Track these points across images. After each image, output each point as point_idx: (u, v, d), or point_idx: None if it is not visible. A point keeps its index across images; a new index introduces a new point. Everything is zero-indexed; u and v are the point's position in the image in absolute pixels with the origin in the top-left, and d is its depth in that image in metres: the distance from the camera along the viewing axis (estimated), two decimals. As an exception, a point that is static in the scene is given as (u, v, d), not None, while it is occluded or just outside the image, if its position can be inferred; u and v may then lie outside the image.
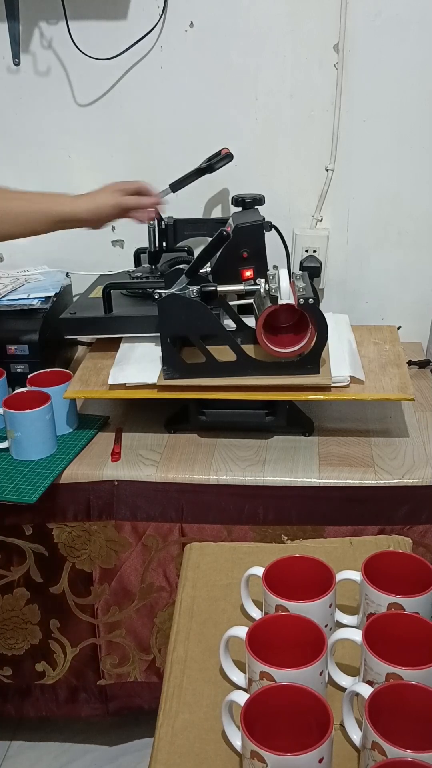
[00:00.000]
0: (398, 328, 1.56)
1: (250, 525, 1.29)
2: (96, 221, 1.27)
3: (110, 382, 1.32)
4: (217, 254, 1.43)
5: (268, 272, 1.29)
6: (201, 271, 1.43)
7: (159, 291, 1.26)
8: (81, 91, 1.61)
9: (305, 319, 1.23)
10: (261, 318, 1.23)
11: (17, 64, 1.55)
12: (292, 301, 1.21)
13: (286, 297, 1.21)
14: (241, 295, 1.33)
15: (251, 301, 1.31)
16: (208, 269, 1.45)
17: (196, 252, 1.65)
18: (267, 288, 1.25)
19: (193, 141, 1.60)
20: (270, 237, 1.43)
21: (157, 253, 1.56)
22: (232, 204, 1.55)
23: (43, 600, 1.38)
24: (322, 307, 1.27)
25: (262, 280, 1.27)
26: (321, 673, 0.80)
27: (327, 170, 1.61)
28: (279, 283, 1.22)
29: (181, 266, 1.39)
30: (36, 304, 1.52)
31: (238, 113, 1.59)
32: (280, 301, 1.21)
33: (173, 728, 0.84)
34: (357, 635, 0.82)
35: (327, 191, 1.63)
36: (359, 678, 0.83)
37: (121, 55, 1.54)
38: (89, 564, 1.35)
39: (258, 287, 1.27)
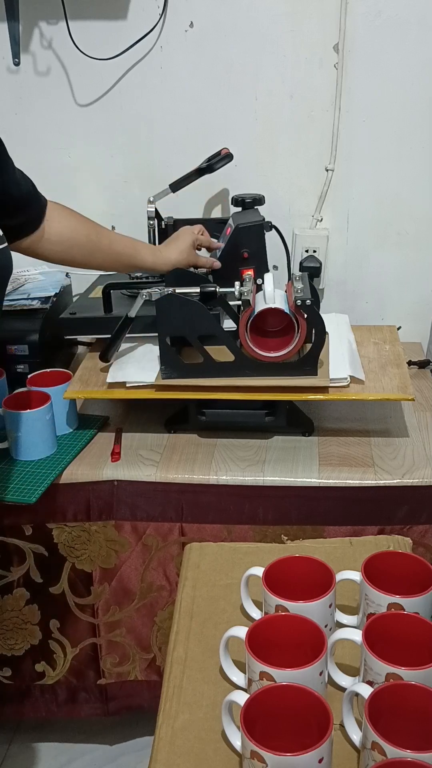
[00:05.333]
0: (398, 329, 1.56)
1: (250, 525, 1.29)
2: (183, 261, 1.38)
3: (108, 380, 1.32)
4: (218, 254, 1.44)
5: (251, 276, 1.30)
6: (200, 271, 1.43)
7: (147, 291, 1.27)
8: (81, 91, 1.61)
9: (296, 322, 1.23)
10: (243, 322, 1.24)
11: (17, 64, 1.55)
12: (275, 305, 1.22)
13: (270, 301, 1.22)
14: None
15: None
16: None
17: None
18: (240, 291, 1.25)
19: (193, 141, 1.60)
20: (270, 237, 1.43)
21: (157, 253, 1.55)
22: (232, 204, 1.55)
23: (43, 600, 1.38)
24: (322, 306, 1.27)
25: (237, 283, 1.26)
26: (321, 673, 0.80)
27: (327, 170, 1.61)
28: (264, 287, 1.23)
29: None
30: (36, 304, 1.52)
31: (238, 113, 1.59)
32: (264, 306, 1.22)
33: (173, 728, 0.84)
34: (357, 635, 0.82)
35: (327, 191, 1.63)
36: (359, 678, 0.83)
37: (121, 55, 1.54)
38: (89, 564, 1.35)
39: (232, 290, 1.26)
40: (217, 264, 1.40)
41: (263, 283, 1.24)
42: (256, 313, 1.23)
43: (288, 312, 1.22)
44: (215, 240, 1.45)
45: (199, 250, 1.42)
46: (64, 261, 1.26)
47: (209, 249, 1.45)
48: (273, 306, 1.22)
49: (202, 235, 1.42)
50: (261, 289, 1.25)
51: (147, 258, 1.33)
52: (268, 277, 1.24)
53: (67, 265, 1.28)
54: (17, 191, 1.13)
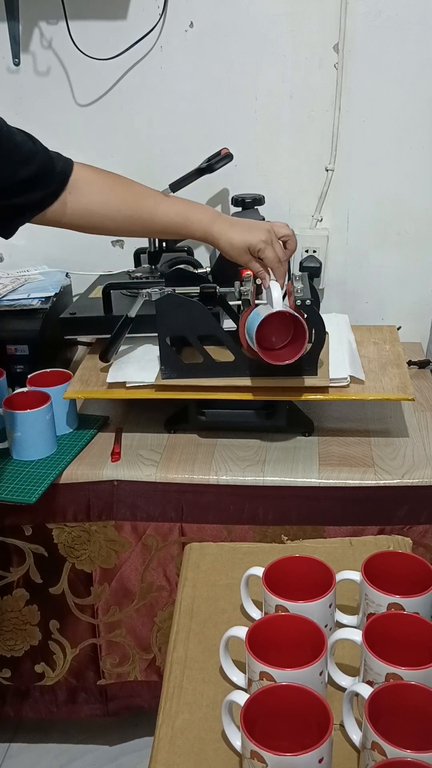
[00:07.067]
0: (398, 329, 1.56)
1: (250, 525, 1.29)
2: (233, 259, 1.22)
3: (108, 380, 1.33)
4: (218, 254, 1.44)
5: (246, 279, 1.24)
6: (200, 271, 1.43)
7: (147, 291, 1.27)
8: (81, 91, 1.61)
9: (299, 326, 1.19)
10: (242, 322, 1.22)
11: (17, 64, 1.55)
12: (280, 308, 1.17)
13: (278, 307, 1.17)
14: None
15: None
16: (208, 269, 1.45)
17: (197, 252, 1.66)
18: (240, 291, 1.22)
19: (193, 141, 1.60)
20: (270, 237, 1.43)
21: (157, 253, 1.56)
22: (232, 204, 1.56)
23: (42, 601, 1.38)
24: (322, 306, 1.26)
25: (237, 283, 1.23)
26: (321, 673, 0.80)
27: (327, 170, 1.61)
28: (271, 293, 1.19)
29: (181, 266, 1.40)
30: (36, 304, 1.52)
31: (238, 113, 1.59)
32: (271, 310, 1.17)
33: (173, 728, 0.84)
34: (357, 635, 0.81)
35: (327, 191, 1.63)
36: (359, 678, 0.83)
37: (121, 55, 1.54)
38: (89, 564, 1.35)
39: (232, 290, 1.24)
40: (266, 284, 1.20)
41: (270, 288, 1.20)
42: (264, 317, 1.17)
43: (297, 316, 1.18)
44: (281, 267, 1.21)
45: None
46: (96, 232, 1.18)
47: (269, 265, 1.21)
48: (280, 309, 1.17)
49: (285, 242, 1.22)
50: (261, 291, 1.24)
51: (197, 233, 1.20)
52: (275, 284, 1.20)
53: (103, 234, 1.19)
54: (12, 178, 1.04)
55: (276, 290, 1.19)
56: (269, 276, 1.21)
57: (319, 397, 1.29)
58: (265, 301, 1.22)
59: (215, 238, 1.19)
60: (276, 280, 1.20)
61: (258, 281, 1.23)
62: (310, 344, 1.26)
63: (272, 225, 1.22)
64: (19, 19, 1.51)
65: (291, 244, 1.23)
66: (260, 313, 1.19)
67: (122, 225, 1.17)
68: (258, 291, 1.26)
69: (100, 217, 1.15)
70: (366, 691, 0.75)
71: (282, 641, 0.82)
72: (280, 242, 1.21)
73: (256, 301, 1.24)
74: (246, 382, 1.28)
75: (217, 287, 1.28)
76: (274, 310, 1.17)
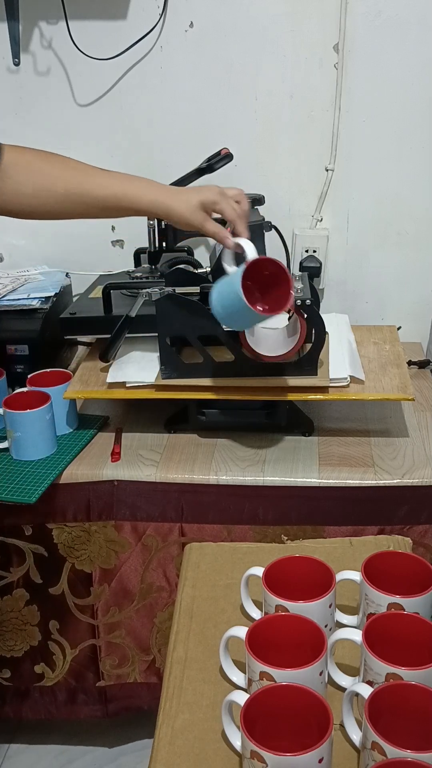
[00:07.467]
0: (398, 329, 1.56)
1: (250, 525, 1.29)
2: (188, 224, 1.16)
3: (108, 380, 1.32)
4: (218, 254, 1.44)
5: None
6: (200, 271, 1.43)
7: (147, 291, 1.26)
8: (81, 91, 1.61)
9: (282, 274, 1.10)
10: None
11: (17, 64, 1.55)
12: (256, 255, 1.09)
13: (254, 255, 1.10)
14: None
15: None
16: (208, 269, 1.45)
17: (197, 252, 1.66)
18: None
19: (193, 141, 1.60)
20: (270, 237, 1.43)
21: (157, 253, 1.55)
22: (232, 204, 1.55)
23: (42, 601, 1.38)
24: (322, 306, 1.26)
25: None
26: (321, 673, 0.80)
27: (327, 170, 1.61)
28: (243, 247, 1.11)
29: (181, 266, 1.40)
30: (36, 304, 1.52)
31: (238, 113, 1.59)
32: (249, 261, 1.09)
33: (173, 728, 0.84)
34: (357, 635, 0.81)
35: (327, 191, 1.63)
36: (359, 678, 0.83)
37: (121, 55, 1.54)
38: (89, 564, 1.35)
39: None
40: (230, 242, 1.14)
41: (239, 243, 1.13)
42: (247, 265, 1.09)
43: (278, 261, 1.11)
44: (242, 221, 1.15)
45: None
46: (33, 216, 1.13)
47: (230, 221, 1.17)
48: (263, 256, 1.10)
49: (237, 202, 1.16)
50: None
51: (143, 204, 1.14)
52: (247, 244, 1.12)
53: (41, 218, 1.14)
54: None
55: (246, 243, 1.12)
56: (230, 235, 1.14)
57: (319, 397, 1.29)
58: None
59: (166, 205, 1.14)
60: (240, 236, 1.14)
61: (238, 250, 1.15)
62: (310, 344, 1.26)
63: (220, 187, 1.17)
64: (19, 19, 1.51)
65: (244, 204, 1.18)
66: (236, 270, 1.10)
67: (58, 205, 1.12)
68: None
69: (33, 199, 1.10)
70: (366, 691, 0.75)
71: (282, 641, 0.82)
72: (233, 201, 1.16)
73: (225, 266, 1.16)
74: (246, 382, 1.28)
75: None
76: (251, 259, 1.09)
